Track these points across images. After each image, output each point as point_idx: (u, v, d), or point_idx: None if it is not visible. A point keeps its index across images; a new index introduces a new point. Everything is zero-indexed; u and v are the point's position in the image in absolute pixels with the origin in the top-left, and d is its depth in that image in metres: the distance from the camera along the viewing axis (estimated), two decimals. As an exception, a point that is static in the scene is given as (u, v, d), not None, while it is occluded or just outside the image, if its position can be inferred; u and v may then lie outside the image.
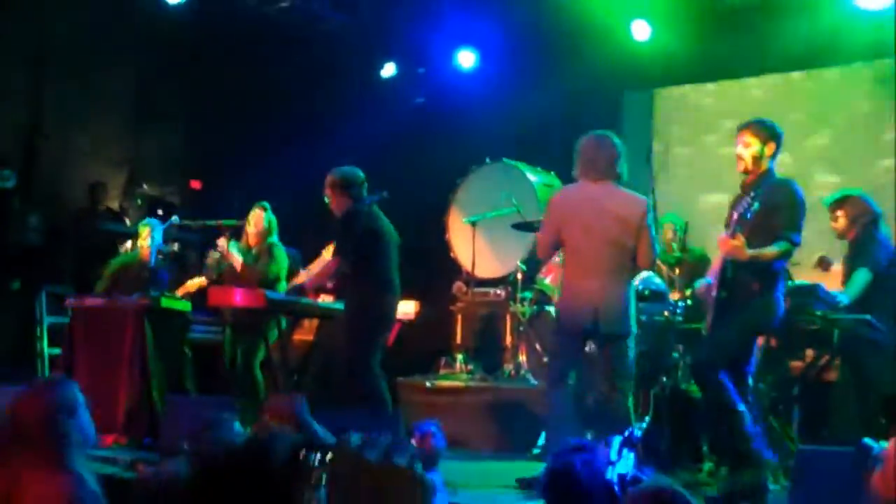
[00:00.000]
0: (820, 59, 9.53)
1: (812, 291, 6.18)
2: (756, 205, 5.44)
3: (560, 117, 10.42)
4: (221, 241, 8.15)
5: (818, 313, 6.09)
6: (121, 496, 3.41)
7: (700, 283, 7.11)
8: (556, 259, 8.77)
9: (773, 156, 5.80)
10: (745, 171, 5.81)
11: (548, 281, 8.81)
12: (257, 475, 1.91)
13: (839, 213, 7.02)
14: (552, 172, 9.68)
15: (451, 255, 9.87)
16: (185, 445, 4.72)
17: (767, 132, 5.80)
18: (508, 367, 8.67)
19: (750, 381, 5.78)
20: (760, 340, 6.09)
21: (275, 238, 8.18)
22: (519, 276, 8.95)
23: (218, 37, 10.89)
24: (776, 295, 5.68)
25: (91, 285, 8.59)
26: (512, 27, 10.62)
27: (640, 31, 9.97)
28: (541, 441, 7.45)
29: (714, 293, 5.73)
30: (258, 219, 8.19)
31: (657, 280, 7.59)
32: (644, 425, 6.64)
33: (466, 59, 10.93)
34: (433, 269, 8.52)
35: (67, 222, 10.63)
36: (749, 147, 5.75)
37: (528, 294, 8.96)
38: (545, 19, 10.24)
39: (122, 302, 7.78)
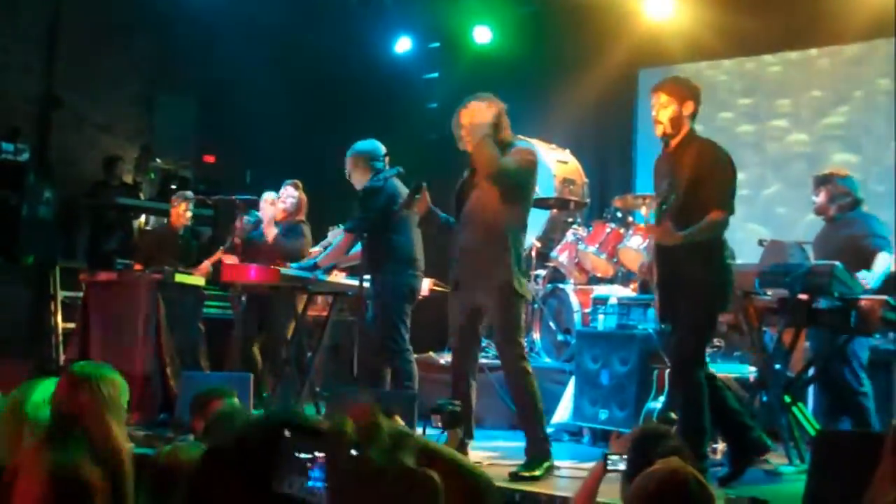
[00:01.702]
0: (838, 35, 9.44)
1: (829, 272, 6.13)
2: (673, 194, 5.27)
3: (576, 95, 10.38)
4: (268, 207, 8.08)
5: (836, 294, 6.03)
6: (135, 472, 3.40)
7: (642, 262, 7.03)
8: (570, 237, 8.77)
9: (693, 116, 5.46)
10: (665, 135, 5.47)
11: (562, 258, 8.81)
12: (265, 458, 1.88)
13: (821, 190, 6.97)
14: (567, 150, 9.62)
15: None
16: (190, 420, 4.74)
17: (684, 90, 5.47)
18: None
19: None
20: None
21: (302, 217, 8.16)
22: (533, 253, 8.92)
23: (231, 10, 10.83)
24: (716, 265, 5.41)
25: (105, 260, 8.60)
26: (528, 3, 10.56)
27: (657, 8, 9.90)
28: (554, 419, 7.46)
29: (655, 275, 5.58)
30: (288, 196, 8.15)
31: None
32: (659, 404, 6.63)
33: (483, 34, 10.90)
34: (447, 246, 8.47)
35: (81, 197, 10.62)
36: (666, 108, 5.41)
37: (542, 272, 8.95)
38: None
39: (136, 277, 7.78)
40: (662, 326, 5.76)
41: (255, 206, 8.30)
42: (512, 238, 5.75)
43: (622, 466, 3.82)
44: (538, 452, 5.67)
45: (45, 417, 3.47)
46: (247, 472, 1.82)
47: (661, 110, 5.43)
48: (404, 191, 6.90)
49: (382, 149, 7.06)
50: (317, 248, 8.14)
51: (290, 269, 7.33)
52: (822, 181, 7.01)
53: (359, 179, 6.97)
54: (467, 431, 5.66)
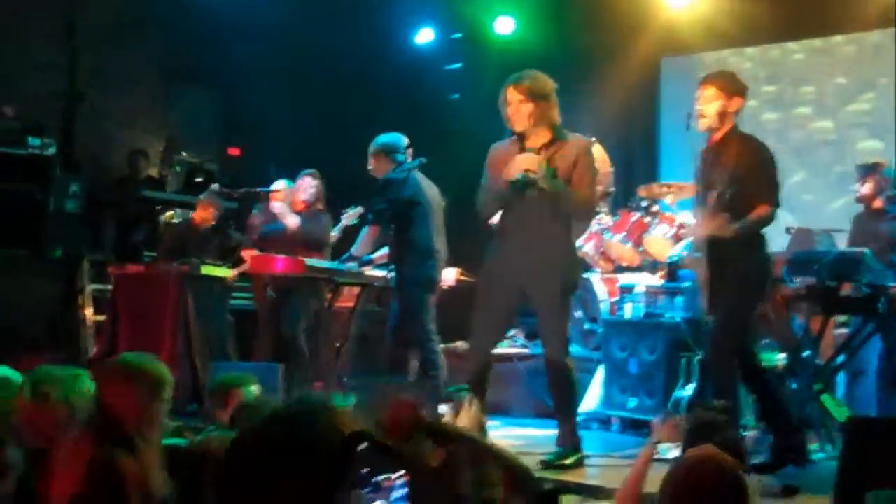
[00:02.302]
0: (863, 22, 9.39)
1: (859, 259, 6.11)
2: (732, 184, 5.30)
3: (599, 83, 10.36)
4: (278, 202, 8.13)
5: (864, 281, 6.01)
6: (167, 463, 3.43)
7: (684, 253, 7.01)
8: (596, 226, 8.76)
9: (738, 112, 5.51)
10: (708, 129, 5.50)
11: (588, 248, 8.79)
12: (298, 456, 1.82)
13: (867, 179, 6.94)
14: (593, 138, 9.60)
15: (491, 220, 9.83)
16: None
17: (734, 86, 5.51)
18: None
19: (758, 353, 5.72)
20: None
21: (322, 206, 8.20)
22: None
23: (252, 1, 10.85)
24: (761, 256, 5.51)
25: (132, 252, 8.65)
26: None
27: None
28: (582, 408, 7.46)
29: (704, 270, 5.58)
30: (307, 186, 8.18)
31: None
32: (687, 392, 6.63)
33: (505, 25, 10.89)
34: (473, 235, 8.47)
35: (108, 190, 10.68)
36: (712, 103, 5.43)
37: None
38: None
39: (164, 269, 7.83)
40: (707, 319, 5.75)
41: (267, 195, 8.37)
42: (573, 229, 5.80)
43: (672, 455, 3.80)
44: (571, 444, 5.68)
45: (80, 406, 3.50)
46: (275, 462, 1.77)
47: (706, 104, 5.45)
48: (427, 183, 6.93)
49: (404, 141, 7.08)
50: (335, 233, 8.18)
51: (315, 261, 7.38)
52: (869, 170, 6.99)
53: (381, 172, 6.99)
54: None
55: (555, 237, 5.65)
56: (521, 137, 5.73)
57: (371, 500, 1.75)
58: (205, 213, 8.44)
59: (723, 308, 5.54)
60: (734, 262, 5.43)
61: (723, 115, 5.46)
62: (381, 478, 1.78)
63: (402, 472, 1.82)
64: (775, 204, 5.45)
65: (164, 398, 3.44)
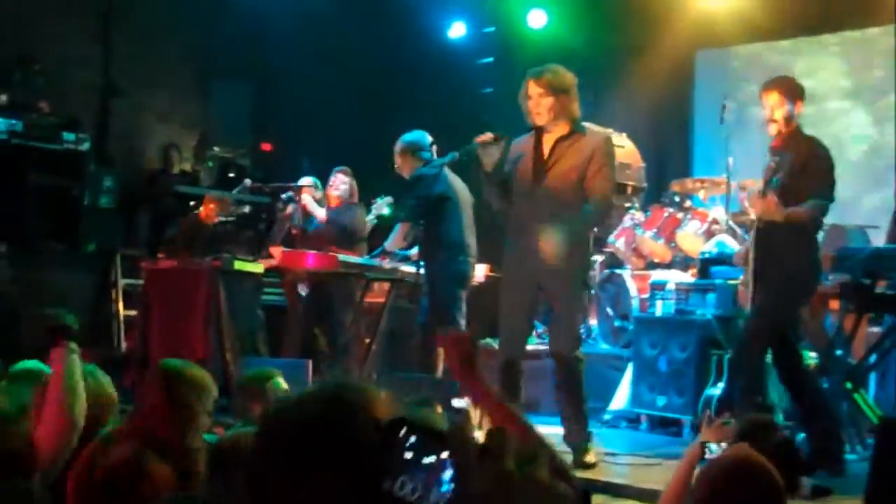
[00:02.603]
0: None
1: (892, 256, 6.04)
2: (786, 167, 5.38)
3: (632, 78, 10.30)
4: (305, 195, 8.20)
5: (898, 278, 5.95)
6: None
7: (738, 249, 7.02)
8: (628, 222, 8.71)
9: (801, 113, 5.66)
10: (778, 133, 5.62)
11: (619, 244, 8.75)
12: (336, 445, 1.76)
13: None
14: (623, 134, 9.55)
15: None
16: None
17: (797, 90, 5.66)
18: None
19: (804, 354, 5.69)
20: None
21: (356, 201, 8.23)
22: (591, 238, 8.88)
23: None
24: (811, 256, 5.59)
25: (164, 247, 8.69)
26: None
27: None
28: (612, 406, 7.43)
29: (751, 262, 5.62)
30: (340, 182, 8.22)
31: (731, 244, 7.50)
32: (718, 390, 6.59)
33: (538, 18, 10.85)
34: (503, 231, 8.47)
35: (141, 185, 10.75)
36: (781, 108, 5.57)
37: (598, 257, 8.89)
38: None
39: (196, 264, 7.86)
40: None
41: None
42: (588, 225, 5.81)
43: None
44: (585, 439, 5.67)
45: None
46: (310, 449, 1.72)
47: (776, 110, 5.57)
48: (455, 179, 6.94)
49: (428, 138, 7.13)
50: (369, 220, 8.19)
51: (347, 256, 7.40)
52: None
53: (408, 170, 7.03)
54: None
55: (566, 230, 5.62)
56: (540, 131, 5.73)
57: (418, 485, 1.68)
58: (207, 210, 8.45)
59: (762, 304, 5.54)
60: (782, 258, 5.48)
61: (789, 119, 5.59)
62: (426, 461, 1.70)
63: (447, 452, 1.72)
64: (828, 199, 5.50)
65: (205, 406, 3.43)
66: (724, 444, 3.56)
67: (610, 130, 9.24)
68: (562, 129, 5.69)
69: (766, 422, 3.57)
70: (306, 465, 1.70)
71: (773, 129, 5.61)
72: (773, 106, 5.58)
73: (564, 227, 5.60)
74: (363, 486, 1.67)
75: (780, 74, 5.92)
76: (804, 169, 5.46)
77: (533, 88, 5.66)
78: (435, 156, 7.03)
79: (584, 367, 5.79)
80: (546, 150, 5.71)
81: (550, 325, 6.08)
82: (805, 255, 5.55)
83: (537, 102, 5.64)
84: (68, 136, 9.27)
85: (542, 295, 5.80)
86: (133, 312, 8.61)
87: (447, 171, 6.90)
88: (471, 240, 7.02)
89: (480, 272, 7.81)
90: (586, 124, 5.88)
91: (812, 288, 5.68)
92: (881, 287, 6.08)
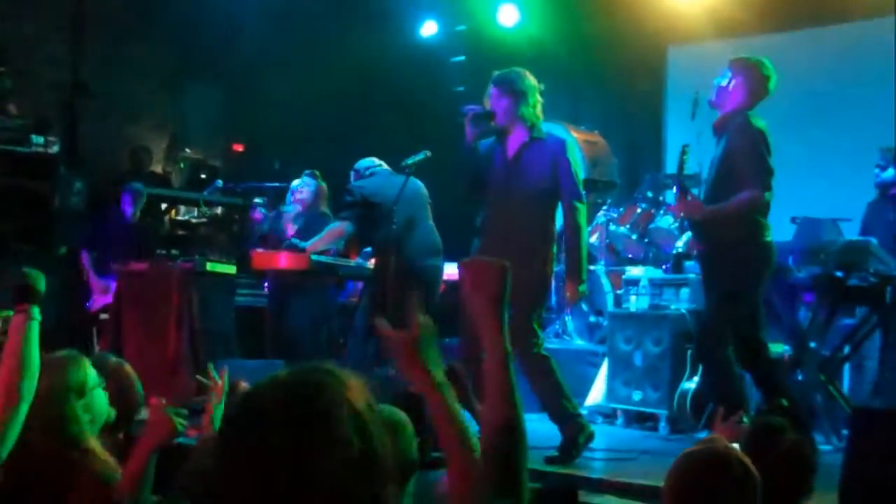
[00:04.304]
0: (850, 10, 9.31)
1: (865, 248, 6.06)
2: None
3: (604, 74, 10.31)
4: (289, 213, 8.23)
5: (871, 270, 5.97)
6: (171, 461, 3.40)
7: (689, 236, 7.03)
8: (601, 218, 8.72)
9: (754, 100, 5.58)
10: (714, 107, 5.63)
11: (593, 240, 8.76)
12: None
13: (891, 164, 6.90)
14: (596, 131, 9.56)
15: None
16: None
17: (756, 72, 5.60)
18: (554, 327, 8.63)
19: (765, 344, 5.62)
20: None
21: (326, 208, 8.18)
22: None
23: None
24: (758, 242, 5.43)
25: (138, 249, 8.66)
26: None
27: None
28: (587, 401, 7.43)
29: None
30: (305, 186, 8.20)
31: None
32: (693, 384, 6.61)
33: (509, 16, 10.83)
34: (476, 230, 8.47)
35: (111, 187, 10.66)
36: (732, 79, 5.56)
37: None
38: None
39: (168, 266, 7.81)
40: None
41: (281, 194, 8.36)
42: (552, 225, 5.79)
43: None
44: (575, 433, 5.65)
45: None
46: (278, 436, 1.64)
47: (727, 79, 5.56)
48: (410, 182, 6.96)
49: (371, 160, 7.45)
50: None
51: (320, 256, 7.38)
52: (893, 155, 6.94)
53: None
54: None
55: (533, 234, 5.65)
56: (503, 133, 5.76)
57: None
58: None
59: (714, 294, 5.52)
60: (728, 248, 5.41)
61: (735, 96, 5.51)
62: None
63: None
64: (761, 188, 5.34)
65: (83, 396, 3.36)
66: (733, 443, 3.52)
67: (582, 128, 9.32)
68: (521, 132, 5.72)
69: (778, 424, 3.52)
70: (278, 446, 1.66)
71: (713, 94, 5.56)
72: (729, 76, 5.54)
73: (529, 230, 5.63)
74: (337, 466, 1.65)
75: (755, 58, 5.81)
76: (737, 157, 5.39)
77: (494, 90, 5.72)
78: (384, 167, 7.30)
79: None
80: (510, 154, 5.75)
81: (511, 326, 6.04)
82: (750, 243, 5.41)
83: (496, 104, 5.69)
84: (37, 138, 9.19)
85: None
86: (105, 315, 8.54)
87: (392, 174, 7.13)
88: (420, 238, 7.07)
89: (454, 271, 7.81)
90: (561, 125, 5.92)
91: (761, 274, 5.49)
92: (853, 280, 6.10)
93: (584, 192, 5.79)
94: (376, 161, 7.41)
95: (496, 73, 5.78)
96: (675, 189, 5.61)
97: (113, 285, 8.54)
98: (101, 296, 8.74)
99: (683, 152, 5.52)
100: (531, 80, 5.72)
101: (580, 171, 5.92)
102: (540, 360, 5.65)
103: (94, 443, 3.32)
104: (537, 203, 5.66)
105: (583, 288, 5.82)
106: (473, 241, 5.95)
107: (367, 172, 7.28)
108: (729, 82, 5.53)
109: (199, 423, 4.29)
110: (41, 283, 3.15)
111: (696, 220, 5.50)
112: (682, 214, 5.52)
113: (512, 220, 5.65)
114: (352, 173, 7.52)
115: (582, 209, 5.71)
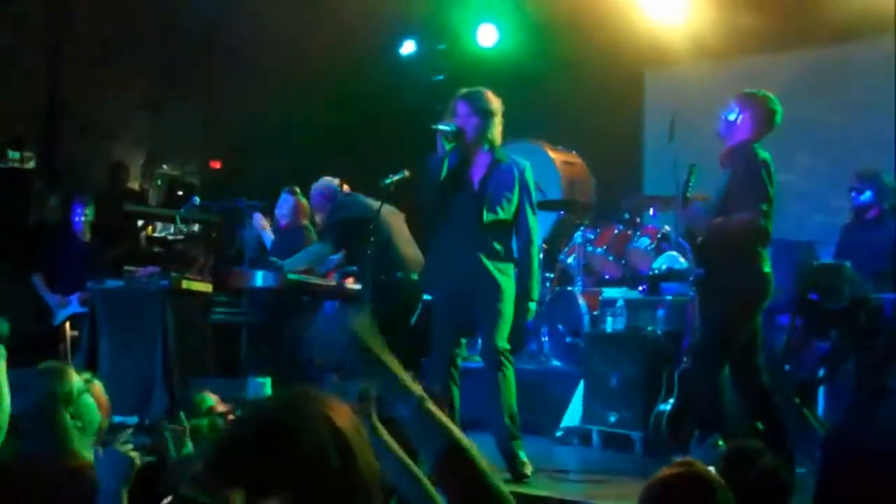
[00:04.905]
0: (840, 32, 9.37)
1: (839, 271, 6.10)
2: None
3: (582, 94, 10.33)
4: (264, 222, 8.25)
5: (845, 293, 6.00)
6: (142, 480, 3.37)
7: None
8: (579, 238, 8.73)
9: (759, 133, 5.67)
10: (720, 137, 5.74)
11: (570, 260, 8.77)
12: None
13: (869, 188, 6.94)
14: (573, 151, 9.59)
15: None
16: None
17: (758, 105, 5.69)
18: (531, 347, 8.62)
19: (763, 375, 5.64)
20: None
21: (307, 221, 8.19)
22: (541, 255, 8.89)
23: (234, 16, 10.83)
24: (755, 269, 5.47)
25: (112, 267, 8.61)
26: (533, 2, 10.53)
27: (662, 9, 9.87)
28: (563, 422, 7.42)
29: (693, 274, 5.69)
30: (284, 202, 8.22)
31: (681, 260, 7.53)
32: (669, 406, 6.61)
33: (488, 36, 10.86)
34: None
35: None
36: (733, 112, 5.68)
37: (551, 274, 8.90)
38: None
39: (143, 284, 7.78)
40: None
41: (258, 210, 8.37)
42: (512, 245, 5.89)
43: None
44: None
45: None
46: (264, 462, 1.67)
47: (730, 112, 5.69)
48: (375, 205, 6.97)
49: (330, 182, 7.57)
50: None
51: (297, 275, 7.36)
52: (870, 178, 6.97)
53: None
54: None
55: (503, 253, 5.80)
56: (467, 151, 5.83)
57: None
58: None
59: (708, 320, 5.55)
60: (727, 275, 5.45)
61: (736, 126, 5.61)
62: None
63: None
64: (761, 214, 5.38)
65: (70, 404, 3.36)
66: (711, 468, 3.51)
67: (560, 147, 9.35)
68: (486, 154, 5.83)
69: (754, 447, 3.51)
70: (264, 472, 1.66)
71: (721, 127, 5.66)
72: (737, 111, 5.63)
73: (491, 254, 5.74)
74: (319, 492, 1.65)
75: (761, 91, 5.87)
76: (740, 185, 5.46)
77: (460, 107, 5.79)
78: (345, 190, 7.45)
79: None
80: (475, 175, 5.83)
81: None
82: (747, 268, 5.47)
83: (465, 121, 5.76)
84: (13, 154, 9.16)
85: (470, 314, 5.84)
86: (75, 333, 8.51)
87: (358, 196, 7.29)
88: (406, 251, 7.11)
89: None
90: (538, 145, 6.01)
91: (757, 303, 5.56)
92: (827, 303, 6.12)
93: (537, 214, 5.94)
94: (335, 181, 7.46)
95: (464, 90, 5.88)
96: (679, 204, 5.65)
97: (71, 298, 8.52)
98: (62, 309, 8.68)
99: (691, 172, 5.57)
100: (498, 101, 5.85)
101: (535, 194, 6.02)
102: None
103: (87, 452, 3.32)
104: (504, 225, 5.79)
105: (533, 306, 5.90)
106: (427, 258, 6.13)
107: (341, 198, 7.31)
108: (737, 117, 5.58)
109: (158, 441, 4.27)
110: (4, 328, 3.25)
111: (700, 241, 5.54)
112: (681, 234, 5.58)
113: (479, 240, 5.75)
114: (314, 194, 7.58)
115: (537, 230, 5.90)
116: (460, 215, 5.80)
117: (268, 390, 6.45)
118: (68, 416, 3.32)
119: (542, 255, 8.82)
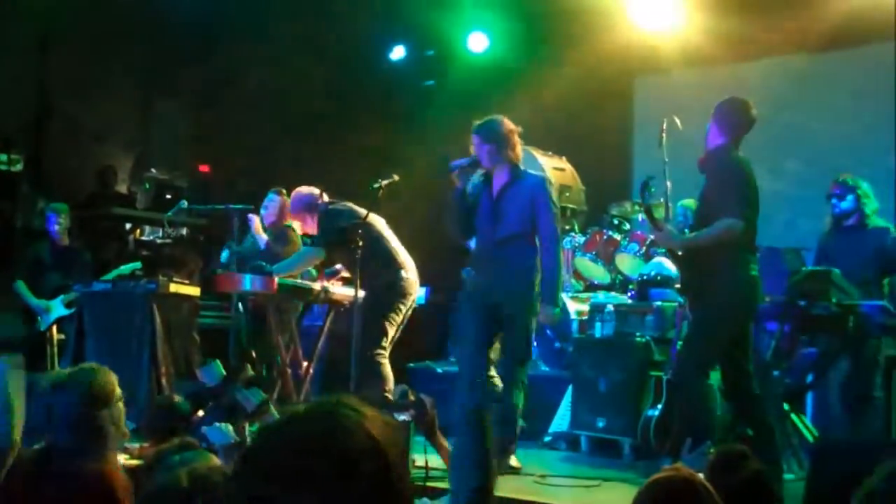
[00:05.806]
0: (832, 40, 9.39)
1: (827, 277, 6.10)
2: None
3: (572, 100, 10.34)
4: (256, 222, 8.22)
5: (833, 300, 6.01)
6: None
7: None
8: (568, 244, 8.74)
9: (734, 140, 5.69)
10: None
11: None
12: None
13: (849, 195, 6.95)
14: (563, 157, 9.58)
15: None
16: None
17: (731, 115, 5.68)
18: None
19: (753, 383, 5.61)
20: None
21: (291, 223, 8.19)
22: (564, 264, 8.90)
23: (226, 18, 10.80)
24: (741, 275, 5.40)
25: (103, 270, 8.60)
26: (523, 9, 10.53)
27: (651, 17, 9.88)
28: (552, 427, 7.41)
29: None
30: (270, 202, 8.20)
31: (669, 266, 7.53)
32: (657, 412, 6.61)
33: (478, 42, 10.87)
34: (443, 254, 8.46)
35: (76, 207, 10.58)
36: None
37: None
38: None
39: (130, 287, 7.76)
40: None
41: (248, 213, 8.35)
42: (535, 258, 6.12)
43: None
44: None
45: None
46: (299, 474, 1.60)
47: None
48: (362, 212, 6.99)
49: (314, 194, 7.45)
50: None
51: (287, 280, 7.35)
52: (850, 186, 6.98)
53: (311, 225, 7.39)
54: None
55: (522, 265, 6.05)
56: (489, 173, 6.22)
57: None
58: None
59: (694, 325, 5.54)
60: (710, 280, 5.43)
61: (708, 133, 5.65)
62: None
63: None
64: (738, 217, 5.32)
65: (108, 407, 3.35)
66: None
67: (550, 153, 9.34)
68: (504, 173, 6.16)
69: (740, 452, 3.50)
70: (298, 485, 1.65)
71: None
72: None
73: (513, 270, 6.03)
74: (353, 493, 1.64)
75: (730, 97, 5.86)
76: (716, 189, 5.48)
77: (474, 138, 6.18)
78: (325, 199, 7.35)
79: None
80: (494, 193, 6.17)
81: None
82: (733, 274, 5.41)
83: (479, 150, 6.15)
84: (1, 156, 9.12)
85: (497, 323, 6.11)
86: (62, 336, 8.47)
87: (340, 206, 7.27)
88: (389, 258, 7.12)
89: (422, 294, 7.81)
90: (528, 151, 6.16)
91: (744, 308, 5.50)
92: (816, 309, 6.12)
93: (558, 228, 6.19)
94: (315, 191, 7.45)
95: (475, 123, 6.23)
96: (650, 223, 5.72)
97: (55, 302, 8.49)
98: (46, 314, 8.65)
99: (645, 185, 5.59)
100: (509, 124, 6.19)
101: (557, 206, 6.26)
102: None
103: (115, 458, 3.34)
104: (519, 238, 6.07)
105: (556, 311, 6.18)
106: (466, 270, 6.53)
107: (332, 206, 7.29)
108: (711, 123, 5.64)
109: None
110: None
111: (681, 254, 5.59)
112: (661, 245, 5.63)
113: (498, 255, 6.08)
114: (293, 203, 7.55)
115: (557, 243, 6.15)
116: (483, 235, 6.23)
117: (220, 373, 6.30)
118: (106, 419, 3.33)
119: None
